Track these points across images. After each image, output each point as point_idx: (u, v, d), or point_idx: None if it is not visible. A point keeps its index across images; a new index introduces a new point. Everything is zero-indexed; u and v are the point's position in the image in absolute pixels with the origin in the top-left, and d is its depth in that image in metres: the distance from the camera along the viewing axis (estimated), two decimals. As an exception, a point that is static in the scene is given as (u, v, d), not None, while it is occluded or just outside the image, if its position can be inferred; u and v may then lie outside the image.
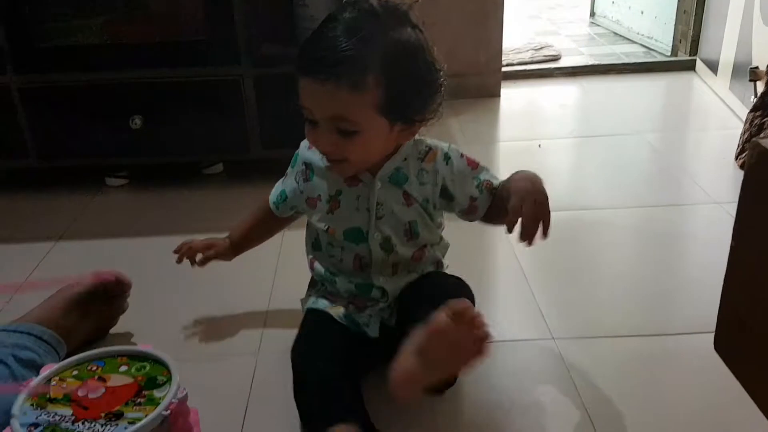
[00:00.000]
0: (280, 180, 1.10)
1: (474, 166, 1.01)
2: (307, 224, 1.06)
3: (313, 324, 1.01)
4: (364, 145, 0.91)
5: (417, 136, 0.98)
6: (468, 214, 1.02)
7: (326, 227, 1.00)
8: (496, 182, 1.01)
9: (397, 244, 0.99)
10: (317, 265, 1.06)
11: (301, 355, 0.95)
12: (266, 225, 1.17)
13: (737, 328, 0.57)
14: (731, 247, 0.55)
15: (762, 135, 1.67)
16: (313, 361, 0.93)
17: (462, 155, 1.01)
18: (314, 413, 0.89)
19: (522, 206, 0.87)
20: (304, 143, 1.03)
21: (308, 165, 1.02)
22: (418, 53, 0.89)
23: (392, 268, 1.01)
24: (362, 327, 1.00)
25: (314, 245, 1.05)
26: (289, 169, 1.07)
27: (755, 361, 0.53)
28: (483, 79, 2.37)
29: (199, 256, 1.16)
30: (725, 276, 0.58)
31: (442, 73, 0.93)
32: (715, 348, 0.61)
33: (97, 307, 1.12)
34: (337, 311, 1.01)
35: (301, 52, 0.89)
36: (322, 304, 1.03)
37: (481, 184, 1.00)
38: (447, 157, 1.00)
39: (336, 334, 0.98)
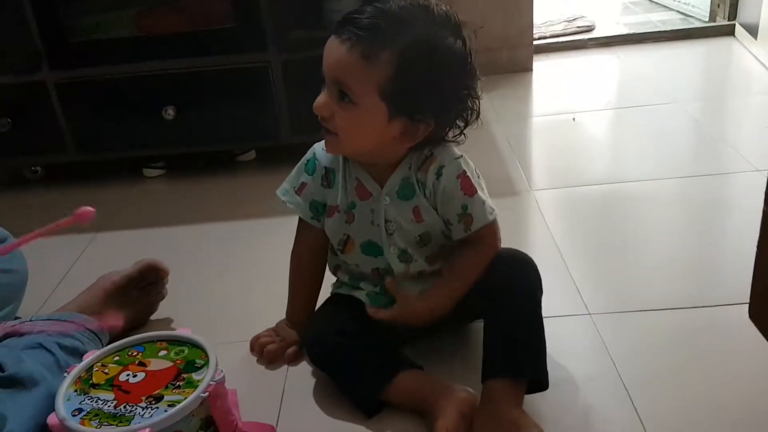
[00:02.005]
0: (292, 196, 1.01)
1: (469, 192, 0.93)
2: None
3: (330, 304, 1.06)
4: (356, 122, 0.88)
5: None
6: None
7: (345, 236, 0.99)
8: (476, 223, 0.94)
9: (415, 253, 0.98)
10: (340, 273, 1.06)
11: (321, 331, 1.00)
12: (312, 271, 1.08)
13: (771, 295, 0.56)
14: (763, 211, 0.54)
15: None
16: (336, 331, 0.97)
17: (459, 176, 0.93)
18: (365, 376, 0.93)
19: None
20: (320, 146, 0.99)
21: (329, 170, 0.99)
22: (449, 64, 0.87)
23: (418, 275, 1.00)
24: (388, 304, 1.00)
25: (333, 250, 1.04)
26: (307, 177, 1.00)
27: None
28: (514, 53, 2.34)
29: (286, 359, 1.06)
30: (758, 242, 0.56)
31: (474, 99, 0.91)
32: (750, 316, 0.59)
33: (136, 294, 1.14)
34: (360, 294, 1.03)
35: (345, 14, 0.88)
36: (346, 289, 1.05)
37: (463, 216, 0.94)
38: (439, 174, 0.93)
39: (354, 310, 1.01)
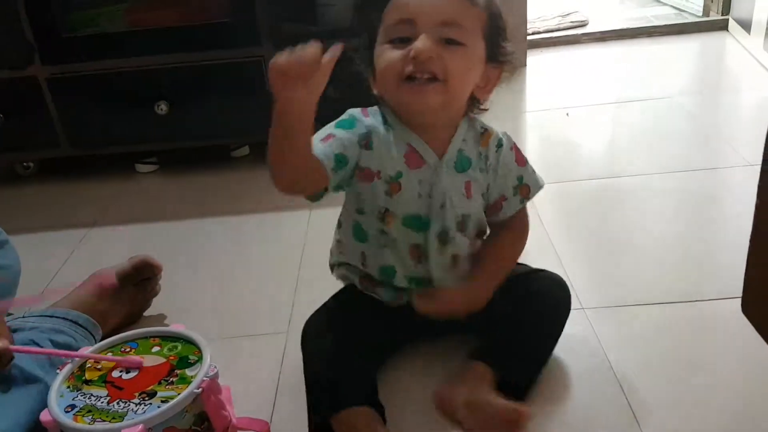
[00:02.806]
0: (326, 137, 0.87)
1: (521, 163, 0.97)
2: (343, 212, 0.98)
3: (343, 301, 1.01)
4: (467, 63, 0.86)
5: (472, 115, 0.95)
6: (489, 211, 0.98)
7: (383, 211, 0.91)
8: (533, 191, 0.98)
9: (456, 236, 0.94)
10: (369, 261, 0.97)
11: (317, 332, 0.96)
12: (309, 170, 0.84)
13: (764, 289, 0.56)
14: (756, 205, 0.54)
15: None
16: (328, 338, 0.94)
17: (512, 147, 0.96)
18: (324, 393, 0.89)
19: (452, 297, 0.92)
20: (357, 111, 0.92)
21: (370, 131, 0.90)
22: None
23: (452, 260, 0.96)
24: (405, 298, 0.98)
25: (357, 236, 0.96)
26: (338, 131, 0.88)
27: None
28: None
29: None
30: (751, 235, 0.56)
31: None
32: (743, 310, 0.59)
33: (130, 290, 1.14)
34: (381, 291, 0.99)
35: None
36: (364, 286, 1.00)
37: (519, 187, 0.97)
38: (499, 144, 0.95)
39: (364, 312, 0.97)
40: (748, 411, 0.89)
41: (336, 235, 1.02)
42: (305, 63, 0.69)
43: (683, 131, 1.79)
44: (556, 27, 2.66)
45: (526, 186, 0.97)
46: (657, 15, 2.75)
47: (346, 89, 1.60)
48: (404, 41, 0.85)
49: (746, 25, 2.29)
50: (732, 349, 0.99)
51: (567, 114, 1.92)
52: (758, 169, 0.56)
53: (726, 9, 2.50)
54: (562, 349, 1.01)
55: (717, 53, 2.37)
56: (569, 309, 0.99)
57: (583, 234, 1.34)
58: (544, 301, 0.98)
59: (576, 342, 1.03)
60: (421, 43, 0.83)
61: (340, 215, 1.00)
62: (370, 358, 0.95)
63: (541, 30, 2.62)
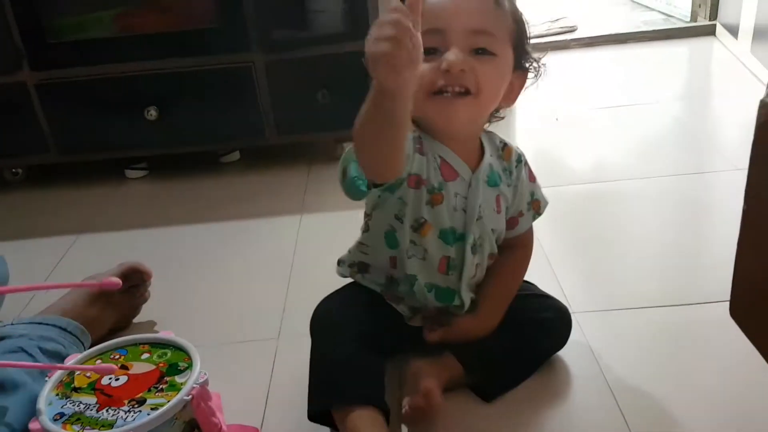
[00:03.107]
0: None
1: (532, 178, 0.99)
2: (372, 216, 0.94)
3: (349, 294, 0.99)
4: (499, 74, 0.85)
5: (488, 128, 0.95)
6: (507, 227, 0.98)
7: (422, 221, 0.89)
8: (543, 206, 1.00)
9: (487, 248, 0.95)
10: (399, 266, 0.94)
11: (325, 326, 0.93)
12: (403, 150, 0.79)
13: (752, 293, 0.56)
14: (743, 210, 0.54)
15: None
16: (337, 335, 0.91)
17: (525, 163, 0.97)
18: (334, 390, 0.87)
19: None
20: None
21: (420, 135, 0.87)
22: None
23: (475, 269, 0.95)
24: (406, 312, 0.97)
25: (389, 242, 0.93)
26: None
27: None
28: (498, 54, 2.33)
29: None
30: (738, 240, 0.57)
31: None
32: (731, 314, 0.60)
33: (120, 297, 1.13)
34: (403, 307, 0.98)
35: None
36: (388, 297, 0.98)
37: (531, 202, 0.98)
38: (519, 160, 0.96)
39: (370, 310, 0.95)
40: (737, 415, 0.89)
41: (362, 238, 0.98)
42: (406, 43, 0.63)
43: (671, 136, 1.81)
44: (546, 32, 2.68)
45: (537, 201, 0.99)
46: (645, 20, 2.77)
47: (340, 95, 1.61)
48: (431, 52, 0.82)
49: (733, 31, 2.32)
50: (720, 351, 1.00)
51: (557, 119, 1.93)
52: (745, 173, 0.56)
53: (713, 14, 2.52)
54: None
55: (705, 58, 2.39)
56: (565, 342, 1.00)
57: (573, 238, 1.34)
58: (546, 335, 0.98)
59: (567, 346, 1.03)
60: (453, 55, 0.81)
61: (369, 219, 0.95)
62: (380, 357, 0.92)
63: (530, 35, 2.63)
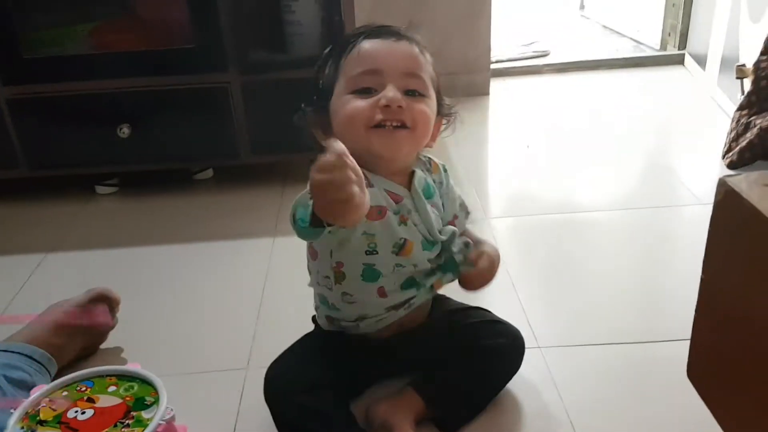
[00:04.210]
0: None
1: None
2: (314, 255, 0.97)
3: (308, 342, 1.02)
4: (429, 113, 0.92)
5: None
6: None
7: (402, 240, 0.93)
8: (467, 205, 1.06)
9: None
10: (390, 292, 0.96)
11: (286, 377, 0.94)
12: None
13: (708, 361, 0.58)
14: (701, 280, 0.56)
15: (747, 135, 1.68)
16: (301, 382, 0.92)
17: (447, 170, 1.04)
18: None
19: (488, 258, 0.96)
20: None
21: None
22: None
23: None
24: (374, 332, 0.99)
25: (369, 278, 0.94)
26: None
27: (726, 392, 0.54)
28: (472, 77, 2.37)
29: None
30: (696, 307, 0.59)
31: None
32: (689, 376, 0.62)
33: (87, 324, 1.12)
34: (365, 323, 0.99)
35: (357, 30, 0.95)
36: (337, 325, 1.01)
37: (461, 204, 1.05)
38: (444, 169, 1.03)
39: (322, 357, 0.97)
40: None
41: (337, 293, 0.97)
42: (340, 168, 0.69)
43: (638, 168, 1.84)
44: (519, 56, 2.72)
45: (464, 204, 1.05)
46: (617, 47, 2.82)
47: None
48: (367, 92, 0.90)
49: (701, 61, 2.37)
50: (684, 390, 1.01)
51: (527, 146, 1.96)
52: (708, 208, 0.57)
53: (683, 44, 2.58)
54: (515, 386, 1.03)
55: (672, 88, 2.43)
56: (519, 367, 1.02)
57: (541, 270, 1.36)
58: (501, 360, 1.00)
59: (530, 380, 1.05)
60: (392, 92, 0.89)
61: (321, 273, 0.97)
62: (344, 396, 0.96)
63: (503, 59, 2.67)
